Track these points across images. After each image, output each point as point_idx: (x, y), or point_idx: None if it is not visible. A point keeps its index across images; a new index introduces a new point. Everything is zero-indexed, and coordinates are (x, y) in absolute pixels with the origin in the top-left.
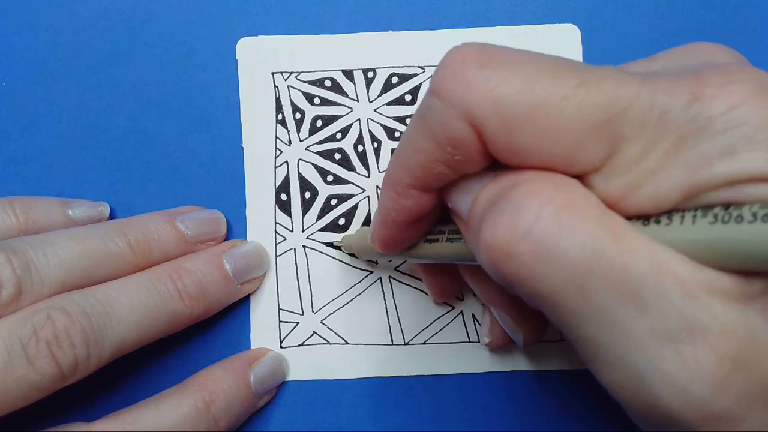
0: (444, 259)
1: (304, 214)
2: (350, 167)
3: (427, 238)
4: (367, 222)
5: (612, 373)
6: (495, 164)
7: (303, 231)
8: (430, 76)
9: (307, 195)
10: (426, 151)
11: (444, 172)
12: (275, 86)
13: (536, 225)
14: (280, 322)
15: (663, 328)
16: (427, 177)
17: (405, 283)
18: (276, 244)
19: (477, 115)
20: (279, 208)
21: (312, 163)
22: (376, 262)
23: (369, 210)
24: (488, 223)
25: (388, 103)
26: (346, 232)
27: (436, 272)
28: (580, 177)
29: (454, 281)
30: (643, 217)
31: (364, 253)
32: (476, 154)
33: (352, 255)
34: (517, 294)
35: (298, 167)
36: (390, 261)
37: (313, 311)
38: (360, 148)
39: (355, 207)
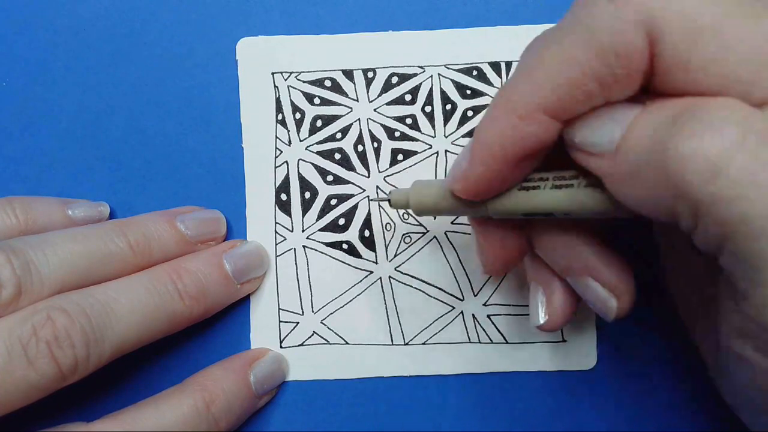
0: (542, 212)
1: (304, 214)
2: (350, 167)
3: (522, 185)
4: (367, 221)
5: None
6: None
7: (303, 231)
8: (431, 76)
9: (307, 195)
10: (581, 63)
11: (594, 90)
12: (275, 86)
13: (749, 136)
14: (280, 322)
15: None
16: (571, 96)
17: (405, 283)
18: (276, 244)
19: (658, 22)
20: (279, 208)
21: (312, 163)
22: (435, 218)
23: (369, 210)
24: (683, 137)
25: (388, 103)
26: (393, 189)
27: (498, 237)
28: None
29: (518, 250)
30: None
31: (423, 207)
32: (638, 72)
33: (406, 212)
34: (688, 224)
35: (298, 167)
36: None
37: (313, 311)
38: (360, 148)
39: (355, 207)
